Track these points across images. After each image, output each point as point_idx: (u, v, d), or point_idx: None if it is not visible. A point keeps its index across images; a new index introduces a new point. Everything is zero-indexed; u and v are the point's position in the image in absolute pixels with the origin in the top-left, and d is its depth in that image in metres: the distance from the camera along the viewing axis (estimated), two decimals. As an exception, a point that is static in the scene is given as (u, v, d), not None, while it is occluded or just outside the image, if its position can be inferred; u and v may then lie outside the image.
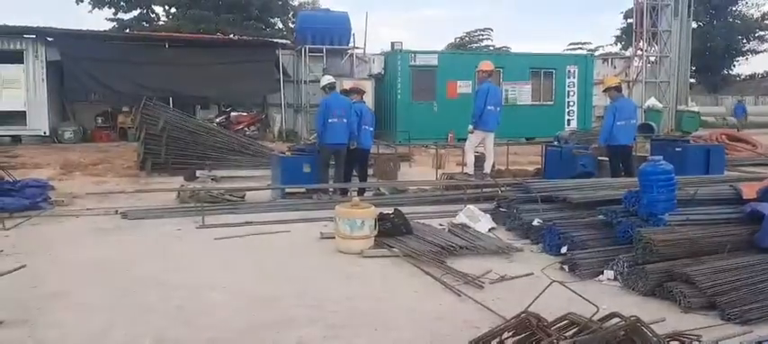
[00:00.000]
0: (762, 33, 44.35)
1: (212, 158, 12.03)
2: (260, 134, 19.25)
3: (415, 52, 19.77)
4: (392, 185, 10.35)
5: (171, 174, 11.65)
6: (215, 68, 19.04)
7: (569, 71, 20.88)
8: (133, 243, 6.72)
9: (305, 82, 20.70)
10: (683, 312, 4.40)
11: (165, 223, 7.68)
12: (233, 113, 20.05)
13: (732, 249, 5.13)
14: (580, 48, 42.89)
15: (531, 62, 20.97)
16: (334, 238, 6.42)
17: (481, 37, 48.55)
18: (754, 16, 44.24)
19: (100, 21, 66.92)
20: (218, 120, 18.74)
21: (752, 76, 48.16)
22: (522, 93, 20.37)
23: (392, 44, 20.46)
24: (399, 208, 7.09)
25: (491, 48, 44.24)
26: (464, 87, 19.04)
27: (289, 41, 23.29)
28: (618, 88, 9.93)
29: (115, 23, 31.44)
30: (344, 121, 9.33)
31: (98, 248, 6.46)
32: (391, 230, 6.50)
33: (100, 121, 19.54)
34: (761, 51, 45.54)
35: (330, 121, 9.25)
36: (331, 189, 9.47)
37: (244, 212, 8.28)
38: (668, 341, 3.12)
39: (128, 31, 29.34)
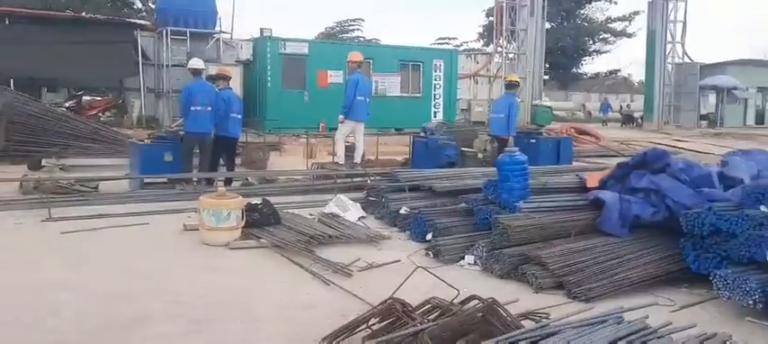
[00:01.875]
0: (605, 36, 48.68)
1: (60, 145, 11.07)
2: (116, 120, 18.06)
3: (285, 40, 19.49)
4: (261, 175, 10.14)
5: (12, 162, 10.60)
6: (64, 48, 17.52)
7: (436, 65, 21.65)
8: (-36, 240, 6.01)
9: (167, 66, 19.66)
10: (535, 293, 4.71)
11: (5, 217, 6.95)
12: (85, 98, 18.67)
13: (578, 234, 5.55)
14: (447, 42, 44.67)
15: (400, 55, 21.48)
16: (198, 230, 6.17)
17: (352, 27, 48.95)
18: (599, 20, 48.48)
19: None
20: (67, 104, 17.31)
21: (597, 75, 52.81)
22: (391, 84, 20.80)
23: (261, 30, 20.02)
24: (268, 198, 6.95)
25: (361, 39, 44.74)
26: (335, 77, 19.09)
27: (149, 22, 22.00)
28: (506, 85, 10.83)
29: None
30: (209, 109, 8.98)
31: None
32: (259, 221, 6.35)
33: (-75, 103, 17.27)
34: (604, 52, 50.15)
35: (193, 108, 8.88)
36: (195, 179, 9.08)
37: (97, 203, 7.71)
38: (521, 320, 3.32)
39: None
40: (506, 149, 7.26)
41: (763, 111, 34.41)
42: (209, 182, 8.92)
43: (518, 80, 11.47)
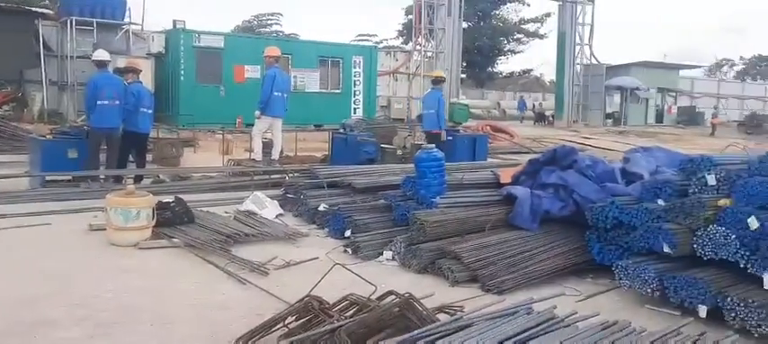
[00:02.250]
0: (519, 36, 50.43)
1: (-49, 140, 10.27)
2: (15, 115, 16.93)
3: (199, 32, 18.94)
4: (174, 172, 9.80)
5: None
6: (-45, 37, 16.26)
7: (355, 61, 21.67)
8: None
9: (71, 57, 18.62)
10: (451, 286, 4.80)
11: None
12: (-20, 90, 17.35)
13: (492, 228, 5.71)
14: (367, 39, 44.82)
15: (320, 50, 21.36)
16: (105, 230, 5.88)
17: (270, 22, 48.24)
18: (513, 20, 50.16)
19: None
20: (-40, 97, 16.07)
21: (511, 74, 54.65)
22: (310, 80, 20.64)
23: (174, 22, 19.34)
24: (181, 196, 6.73)
25: (280, 34, 44.17)
26: (252, 72, 18.74)
27: (51, 11, 20.75)
28: (433, 81, 10.96)
29: None
30: (117, 102, 8.60)
31: None
32: (171, 220, 6.13)
33: None
34: (518, 52, 52.00)
35: (99, 102, 8.48)
36: (102, 176, 8.66)
37: (-7, 203, 7.20)
38: (436, 314, 3.38)
39: None
40: (423, 146, 7.38)
41: (663, 110, 36.78)
42: (118, 180, 8.53)
43: (443, 76, 11.70)
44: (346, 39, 49.86)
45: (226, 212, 7.07)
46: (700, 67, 46.84)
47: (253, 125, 10.48)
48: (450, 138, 11.41)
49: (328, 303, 3.48)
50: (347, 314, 3.39)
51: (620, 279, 4.57)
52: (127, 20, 19.44)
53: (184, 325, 3.90)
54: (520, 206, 5.81)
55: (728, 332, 3.43)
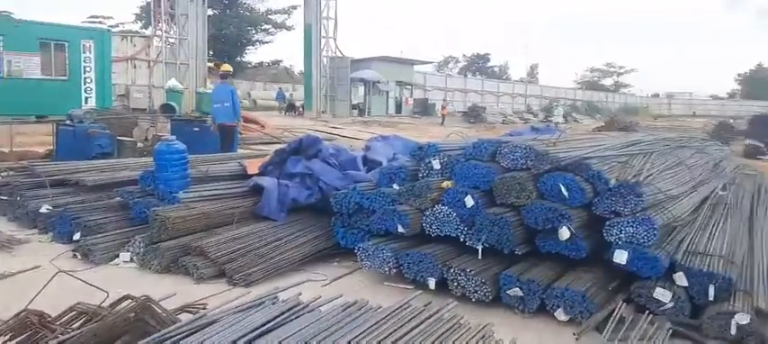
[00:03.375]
0: (267, 27, 50.44)
1: None
2: None
3: None
4: None
5: None
6: None
7: (85, 45, 19.53)
8: None
9: None
10: (196, 284, 4.62)
11: None
12: None
13: (240, 220, 5.63)
14: (101, 22, 40.84)
15: (40, 32, 18.79)
16: None
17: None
18: (260, 11, 50.00)
19: None
20: None
21: (260, 64, 54.45)
22: (29, 65, 18.07)
23: None
24: None
25: (-11, 10, 37.89)
26: (-49, 54, 15.78)
27: None
28: (221, 75, 10.98)
29: None
30: None
31: None
32: None
33: None
34: (267, 42, 51.98)
35: None
36: None
37: None
38: (178, 314, 3.21)
39: None
40: (166, 137, 6.96)
41: (401, 102, 40.13)
42: None
43: (231, 69, 11.57)
44: (76, 20, 44.71)
45: None
46: (430, 63, 52.05)
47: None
48: (197, 129, 10.99)
49: (51, 316, 3.08)
50: (75, 326, 3.04)
51: (362, 260, 4.86)
52: None
53: None
54: (267, 197, 5.83)
55: (451, 300, 3.84)
